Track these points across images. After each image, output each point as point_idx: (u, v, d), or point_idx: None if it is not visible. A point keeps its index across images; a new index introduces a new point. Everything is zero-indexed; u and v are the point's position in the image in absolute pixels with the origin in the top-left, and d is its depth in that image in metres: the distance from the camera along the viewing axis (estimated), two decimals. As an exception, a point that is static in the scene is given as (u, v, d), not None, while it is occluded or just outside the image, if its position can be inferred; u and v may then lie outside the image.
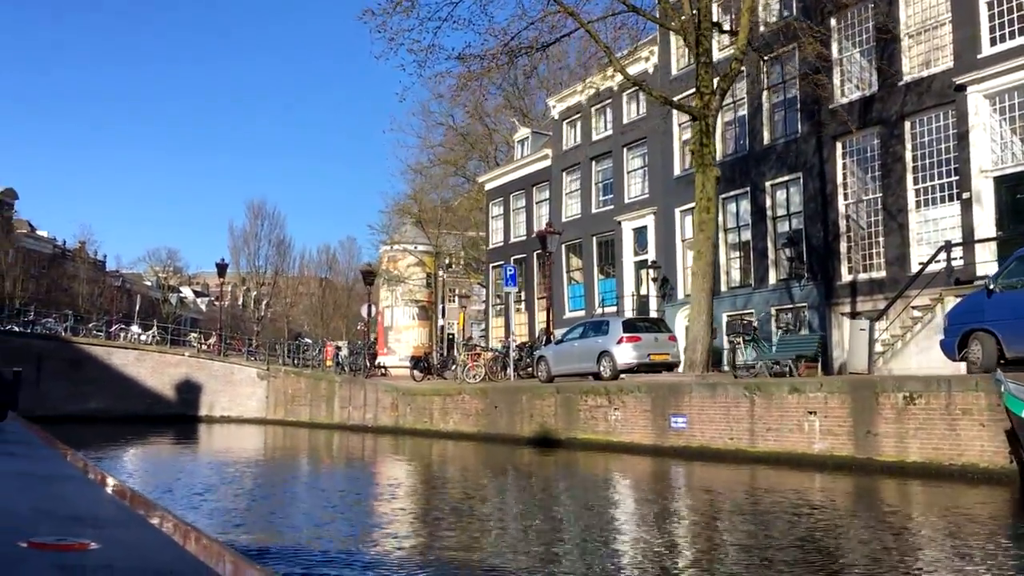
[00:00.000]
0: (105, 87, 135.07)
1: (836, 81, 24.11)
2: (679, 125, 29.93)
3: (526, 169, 37.50)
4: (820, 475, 12.94)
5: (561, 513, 10.77)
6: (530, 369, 23.61)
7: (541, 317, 36.32)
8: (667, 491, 12.80)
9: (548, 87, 48.77)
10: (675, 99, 28.44)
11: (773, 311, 24.46)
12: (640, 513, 10.66)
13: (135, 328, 39.63)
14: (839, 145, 23.85)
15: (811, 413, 13.35)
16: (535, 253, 36.37)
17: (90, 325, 39.32)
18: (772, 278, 25.44)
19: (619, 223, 31.84)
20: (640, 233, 31.30)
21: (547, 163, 36.27)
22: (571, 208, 35.12)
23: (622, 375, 18.60)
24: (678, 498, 12.06)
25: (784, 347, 16.13)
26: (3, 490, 2.03)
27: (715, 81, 18.51)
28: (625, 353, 18.43)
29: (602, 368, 18.67)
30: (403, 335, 32.53)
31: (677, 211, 29.36)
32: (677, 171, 29.68)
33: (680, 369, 18.72)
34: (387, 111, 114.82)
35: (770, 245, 25.69)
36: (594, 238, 33.51)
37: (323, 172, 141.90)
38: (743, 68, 20.15)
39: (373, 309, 34.06)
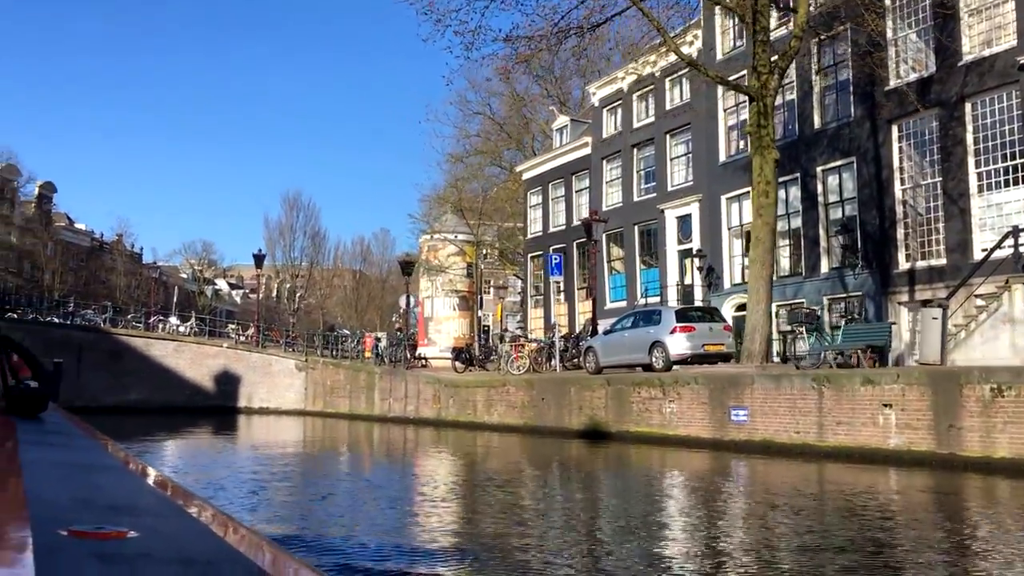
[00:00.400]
0: (140, 79, 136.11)
1: (891, 62, 23.28)
2: (724, 110, 29.23)
3: (565, 157, 36.87)
4: (896, 471, 12.26)
5: (612, 510, 10.27)
6: (576, 360, 23.04)
7: (582, 308, 35.74)
8: (728, 487, 12.19)
9: (585, 75, 48.10)
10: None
11: (825, 300, 23.72)
12: (697, 511, 10.09)
13: (173, 319, 39.53)
14: (895, 128, 23.01)
15: (886, 406, 12.66)
16: (575, 243, 35.82)
17: (129, 316, 39.30)
18: (824, 266, 24.70)
19: (662, 211, 31.17)
20: (684, 221, 30.60)
21: (586, 151, 35.63)
22: (612, 197, 34.47)
23: (675, 366, 17.97)
24: (739, 495, 11.44)
25: (851, 337, 15.42)
26: (44, 480, 2.02)
27: (772, 60, 17.74)
28: (678, 343, 17.79)
29: (654, 359, 18.06)
30: (443, 326, 32.01)
31: (723, 198, 28.65)
32: (723, 157, 28.96)
33: (735, 360, 18.05)
34: (423, 102, 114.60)
35: (822, 232, 24.94)
36: (636, 227, 32.84)
37: (357, 164, 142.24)
38: (802, 45, 19.34)
39: (412, 300, 33.64)
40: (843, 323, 15.98)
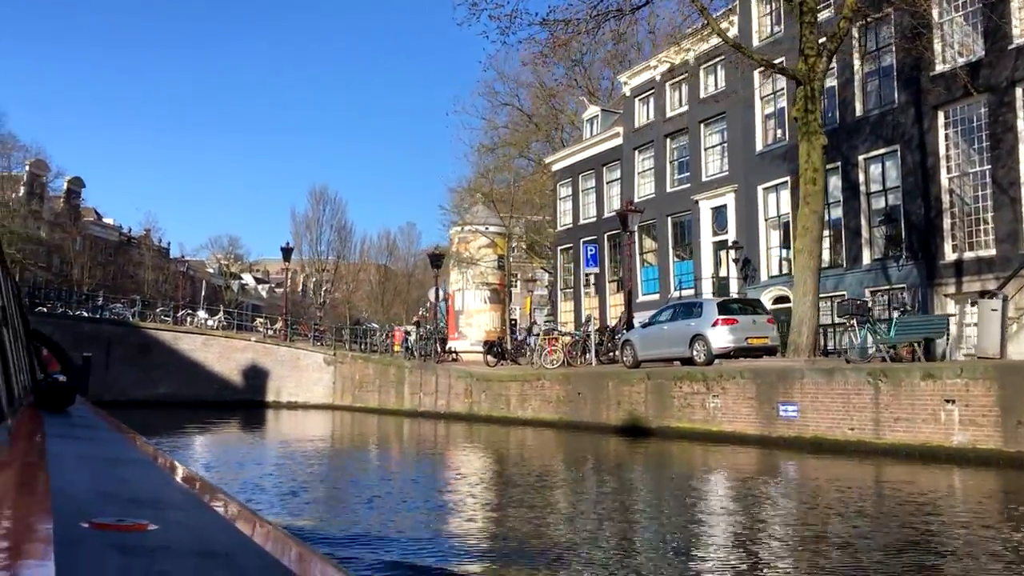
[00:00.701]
0: (167, 73, 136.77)
1: (937, 47, 22.54)
2: (762, 98, 28.58)
3: (595, 148, 36.31)
4: (960, 471, 11.65)
5: (653, 510, 9.75)
6: (611, 354, 22.52)
7: (613, 300, 35.21)
8: (778, 487, 11.62)
9: (614, 66, 47.51)
10: (762, 68, 26.98)
11: (867, 292, 23.05)
12: (744, 512, 9.53)
13: (202, 313, 39.39)
14: (941, 115, 22.30)
15: (949, 401, 12.05)
16: (606, 235, 35.30)
17: (157, 310, 39.18)
18: (866, 258, 24.04)
19: (696, 202, 30.57)
20: (719, 212, 29.99)
21: (618, 141, 35.06)
22: (644, 188, 33.89)
23: (717, 360, 17.39)
24: (792, 496, 10.86)
25: (906, 329, 14.79)
26: (68, 473, 2.03)
27: (820, 42, 17.06)
28: (721, 337, 17.22)
29: (695, 353, 17.50)
30: (474, 319, 31.52)
31: (760, 188, 28.03)
32: (759, 146, 28.32)
33: (781, 354, 17.45)
34: (449, 96, 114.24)
35: (863, 223, 24.26)
36: (669, 218, 32.26)
37: (383, 158, 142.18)
38: (851, 26, 18.63)
39: (441, 292, 33.25)
40: (895, 315, 15.30)
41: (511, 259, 39.39)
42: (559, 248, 38.44)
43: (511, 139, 46.19)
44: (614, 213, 34.80)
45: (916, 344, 14.81)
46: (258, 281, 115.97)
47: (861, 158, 24.24)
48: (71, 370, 34.98)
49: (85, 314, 37.49)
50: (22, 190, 64.08)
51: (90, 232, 75.82)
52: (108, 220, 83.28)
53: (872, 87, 24.58)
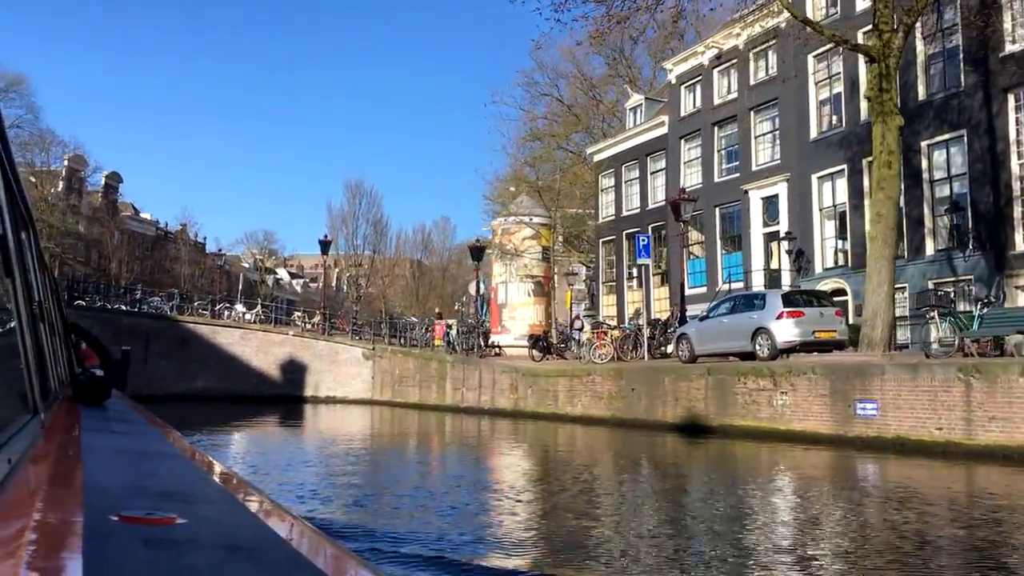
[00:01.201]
0: (203, 71, 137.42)
1: (1007, 25, 21.44)
2: (816, 84, 27.53)
3: (639, 138, 35.41)
4: (1066, 474, 10.73)
5: (716, 515, 8.90)
6: (663, 348, 21.68)
7: (658, 294, 34.35)
8: (861, 492, 10.75)
9: (656, 55, 46.51)
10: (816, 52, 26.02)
11: (930, 284, 21.98)
12: (819, 519, 8.70)
13: (239, 307, 38.98)
14: (1011, 98, 21.22)
15: (1053, 400, 11.13)
16: (650, 226, 34.45)
17: (195, 304, 38.85)
18: (929, 248, 22.99)
19: (746, 192, 29.60)
20: (770, 202, 29.00)
21: (663, 131, 34.14)
22: (691, 178, 32.94)
23: (781, 354, 16.47)
24: (878, 502, 9.95)
25: (993, 322, 13.81)
26: (101, 466, 2.01)
27: (897, 17, 16.04)
28: (786, 330, 16.29)
29: (757, 347, 16.59)
30: (518, 312, 30.67)
31: (814, 177, 27.01)
32: (813, 133, 27.30)
33: (852, 348, 16.48)
34: (485, 88, 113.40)
35: (927, 211, 23.21)
36: (717, 209, 31.30)
37: (418, 152, 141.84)
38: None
39: (482, 286, 32.54)
40: (977, 308, 14.31)
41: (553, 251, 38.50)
42: (601, 240, 37.60)
43: (550, 130, 45.37)
44: (659, 204, 33.93)
45: (1006, 338, 13.81)
46: (292, 276, 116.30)
47: (924, 144, 23.18)
48: (110, 364, 34.78)
49: (123, 308, 37.29)
50: (60, 185, 64.40)
51: (127, 227, 76.13)
52: (145, 215, 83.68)
53: (936, 69, 23.49)
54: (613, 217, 36.74)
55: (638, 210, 35.32)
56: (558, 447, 17.96)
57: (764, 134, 29.66)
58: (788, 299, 16.90)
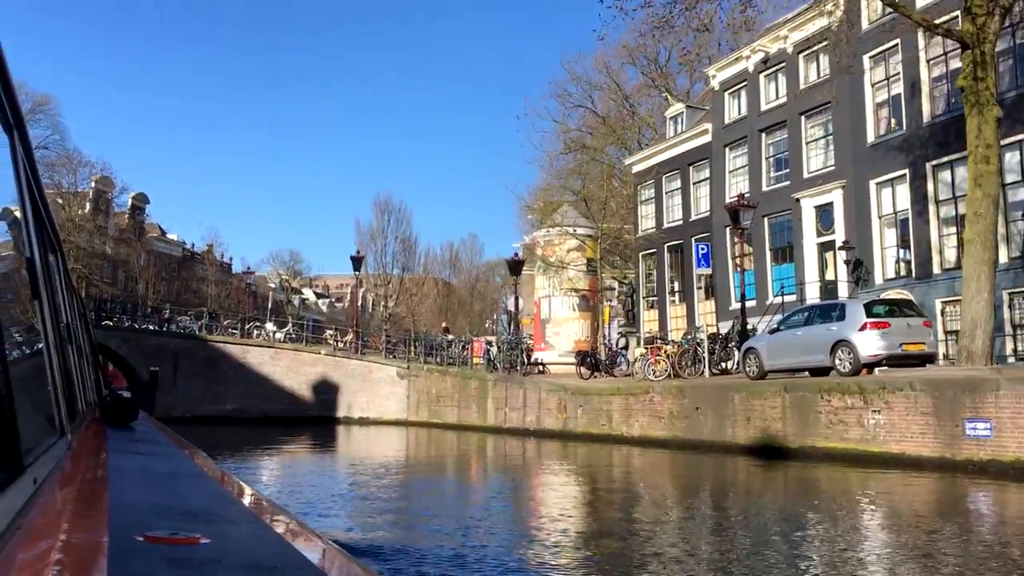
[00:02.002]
0: (224, 89, 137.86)
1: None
2: (872, 85, 26.21)
3: (681, 147, 34.18)
4: None
5: (805, 553, 7.53)
6: (723, 364, 20.34)
7: (703, 308, 33.03)
8: (978, 524, 9.37)
9: (692, 65, 45.37)
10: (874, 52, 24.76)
11: (1005, 296, 20.49)
12: (937, 561, 7.32)
13: (269, 326, 38.04)
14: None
15: None
16: (692, 238, 33.17)
17: (225, 323, 37.91)
18: (1003, 255, 21.44)
19: (797, 201, 28.25)
20: (824, 211, 27.65)
21: (706, 139, 32.93)
22: (736, 187, 31.64)
23: (863, 369, 15.08)
24: (1001, 538, 8.59)
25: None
26: (127, 486, 2.06)
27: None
28: (870, 343, 14.92)
29: (838, 361, 15.23)
30: (562, 328, 29.36)
31: (872, 183, 25.64)
32: (871, 138, 25.95)
33: (948, 361, 15.09)
34: (512, 104, 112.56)
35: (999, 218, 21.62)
36: (765, 219, 29.95)
37: (444, 170, 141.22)
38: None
39: (521, 301, 31.32)
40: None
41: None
42: (641, 254, 36.31)
43: (584, 142, 44.27)
44: (703, 215, 32.67)
45: None
46: (318, 296, 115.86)
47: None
48: (138, 385, 33.91)
49: (152, 328, 36.43)
50: (88, 206, 64.18)
51: (154, 248, 75.98)
52: (172, 236, 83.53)
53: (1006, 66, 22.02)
54: (653, 229, 35.47)
55: (680, 222, 34.05)
56: (616, 472, 16.66)
57: (816, 139, 28.37)
58: (870, 309, 15.52)
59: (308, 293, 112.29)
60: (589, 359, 24.96)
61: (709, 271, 23.23)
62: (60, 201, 56.83)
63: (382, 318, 59.29)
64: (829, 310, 16.27)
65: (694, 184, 33.77)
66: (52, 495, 1.60)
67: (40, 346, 2.03)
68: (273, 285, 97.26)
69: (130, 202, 71.93)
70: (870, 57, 26.04)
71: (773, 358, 16.82)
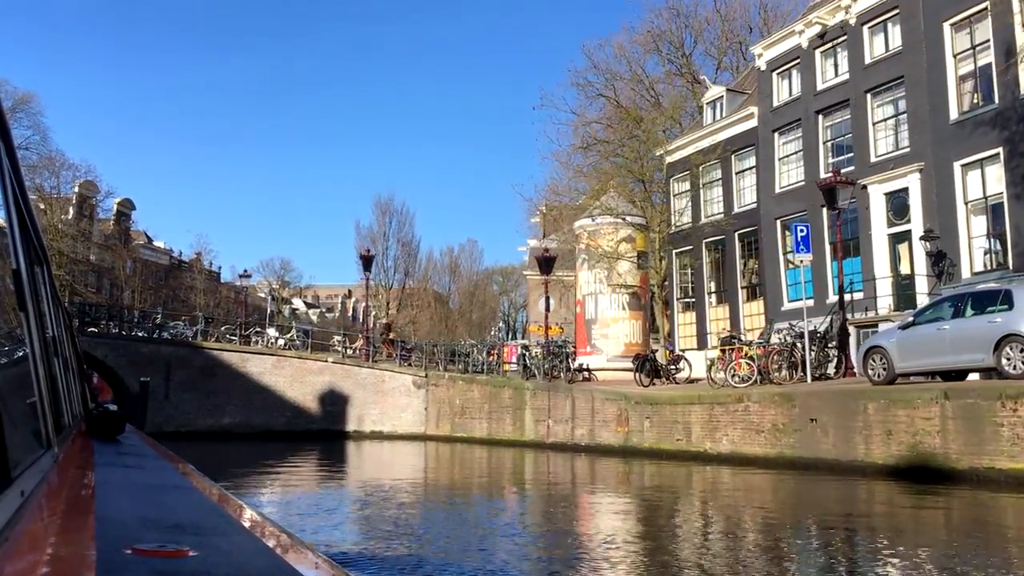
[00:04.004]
0: (213, 94, 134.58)
1: None
2: (955, 55, 23.44)
3: (721, 134, 31.38)
4: None
5: None
6: (823, 368, 17.36)
7: (748, 309, 30.35)
8: None
9: (722, 51, 42.87)
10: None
11: None
12: None
13: (271, 331, 34.83)
14: None
15: None
16: (736, 233, 30.45)
17: (222, 328, 34.64)
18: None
19: (863, 188, 25.42)
20: (896, 198, 24.88)
21: (750, 124, 30.22)
22: (788, 176, 28.95)
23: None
24: None
25: None
26: (114, 500, 2.04)
27: None
28: (1055, 335, 12.01)
29: (1004, 361, 12.27)
30: (610, 329, 26.29)
31: (956, 165, 22.89)
32: (954, 114, 23.22)
33: None
34: (513, 105, 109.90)
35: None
36: (823, 209, 27.13)
37: (440, 175, 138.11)
38: None
39: (551, 301, 28.28)
40: None
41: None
42: (675, 251, 33.42)
43: (605, 135, 41.45)
44: (748, 207, 29.94)
45: None
46: (309, 306, 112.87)
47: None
48: (127, 398, 30.74)
49: (142, 334, 33.19)
50: (71, 211, 61.43)
51: (140, 255, 73.36)
52: (158, 243, 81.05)
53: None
54: (690, 224, 32.63)
55: (721, 214, 31.22)
56: (712, 499, 13.65)
57: (886, 119, 25.60)
58: (1048, 296, 12.57)
59: (298, 303, 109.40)
60: (648, 364, 21.99)
61: (810, 257, 20.29)
62: (42, 206, 54.13)
63: (383, 327, 56.18)
64: (988, 298, 13.33)
65: (737, 174, 31.02)
66: (39, 508, 1.59)
67: (26, 359, 2.01)
68: (263, 294, 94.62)
69: (115, 208, 69.50)
70: (951, 24, 23.35)
71: (907, 359, 13.88)
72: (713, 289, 32.06)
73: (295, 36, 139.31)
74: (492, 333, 61.59)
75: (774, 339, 19.15)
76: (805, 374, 17.02)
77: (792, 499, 13.20)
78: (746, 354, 18.19)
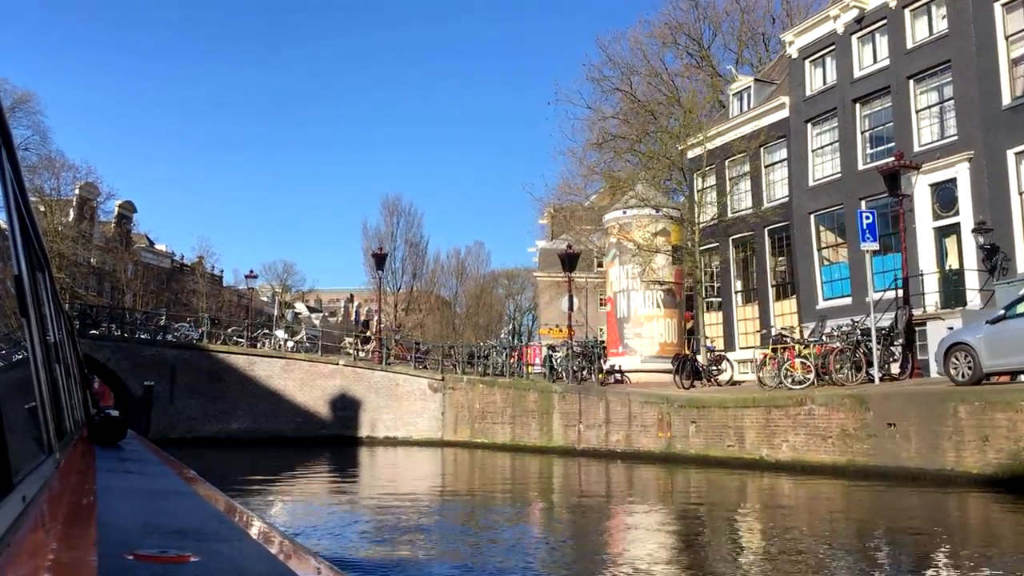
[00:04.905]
0: (214, 95, 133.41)
1: None
2: (1007, 37, 22.16)
3: (749, 126, 30.04)
4: None
5: None
6: (888, 367, 15.94)
7: (779, 308, 29.07)
8: None
9: (743, 42, 41.64)
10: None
11: None
12: None
13: (280, 333, 33.50)
14: None
15: None
16: (766, 229, 29.15)
17: (229, 330, 33.27)
18: None
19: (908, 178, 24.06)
20: (942, 189, 23.58)
21: (781, 115, 28.85)
22: (822, 168, 27.67)
23: None
24: None
25: None
26: (116, 505, 2.03)
27: None
28: None
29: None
30: (644, 328, 24.83)
31: (1010, 153, 21.63)
32: (1006, 100, 21.94)
33: None
34: (525, 99, 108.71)
35: None
36: (863, 202, 25.86)
37: (446, 178, 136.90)
38: None
39: (575, 300, 26.92)
40: None
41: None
42: (699, 249, 32.05)
43: (621, 131, 40.24)
44: (779, 201, 28.66)
45: None
46: (311, 310, 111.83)
47: None
48: (131, 402, 29.42)
49: (145, 336, 31.83)
50: (72, 213, 60.40)
51: (142, 259, 72.27)
52: (160, 246, 79.88)
53: None
54: (715, 221, 31.27)
55: (750, 210, 29.90)
56: (783, 513, 12.28)
57: (930, 106, 24.30)
58: None
59: (300, 307, 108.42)
60: (689, 365, 20.63)
61: (876, 245, 18.96)
62: (42, 208, 53.08)
63: (391, 328, 54.85)
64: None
65: (766, 167, 29.72)
66: (40, 514, 1.59)
67: (28, 365, 2.00)
68: (266, 298, 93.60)
69: (116, 210, 68.39)
70: (1003, 5, 22.09)
71: (998, 356, 12.53)
72: (739, 288, 30.78)
73: (297, 42, 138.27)
74: (503, 336, 60.10)
75: (828, 337, 17.77)
76: (871, 374, 15.65)
77: (875, 512, 11.81)
78: (800, 353, 16.84)
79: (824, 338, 17.63)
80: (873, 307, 17.42)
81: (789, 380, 16.44)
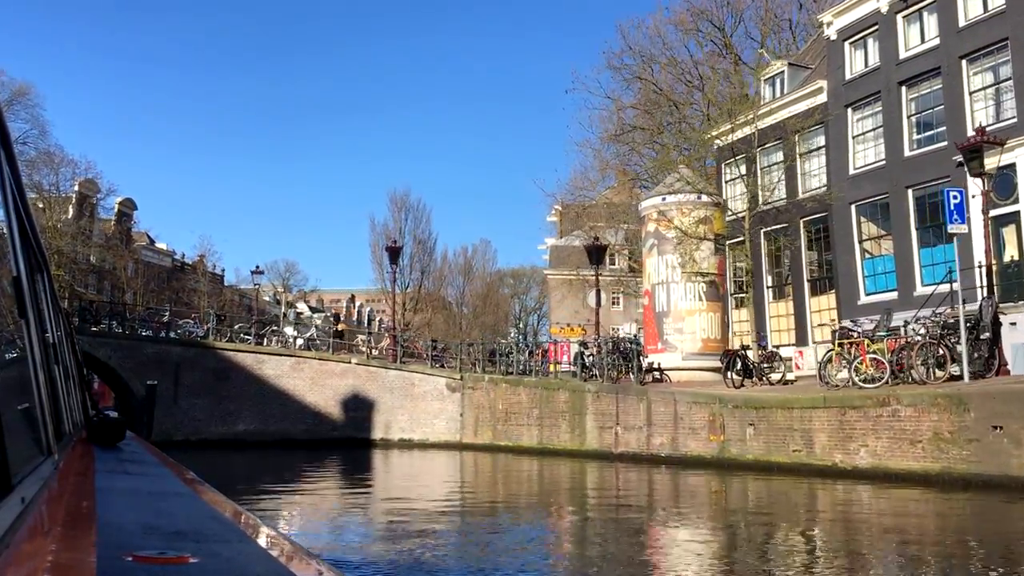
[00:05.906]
0: (218, 93, 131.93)
1: None
2: (1073, 12, 20.67)
3: (781, 113, 28.55)
4: None
5: None
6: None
7: (816, 304, 27.65)
8: None
9: (766, 30, 40.13)
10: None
11: None
12: None
13: (289, 330, 32.00)
14: None
15: None
16: (802, 220, 27.73)
17: (236, 327, 31.76)
18: None
19: (959, 166, 22.53)
20: (1001, 175, 22.06)
21: (819, 99, 27.38)
22: (864, 156, 26.22)
23: None
24: None
25: None
26: (115, 507, 2.03)
27: None
28: None
29: None
30: (686, 323, 23.25)
31: (1076, 135, 20.10)
32: (1073, 78, 20.43)
33: None
34: (529, 100, 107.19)
35: None
36: (909, 191, 24.50)
37: (456, 178, 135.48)
38: None
39: (602, 295, 25.40)
40: None
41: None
42: (728, 244, 30.54)
43: (641, 122, 38.84)
44: (814, 191, 27.22)
45: None
46: (313, 310, 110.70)
47: None
48: (133, 402, 27.92)
49: (148, 334, 30.34)
50: (71, 210, 59.03)
51: (142, 257, 71.10)
52: (160, 244, 78.66)
53: None
54: (745, 213, 29.73)
55: (783, 201, 28.44)
56: (861, 527, 10.78)
57: (984, 88, 22.88)
58: None
59: (302, 307, 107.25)
60: (741, 363, 19.14)
61: (965, 229, 17.51)
62: (41, 205, 51.66)
63: (399, 328, 53.41)
64: None
65: (801, 156, 28.23)
66: (40, 515, 1.59)
67: (27, 366, 2.00)
68: (267, 298, 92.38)
69: (116, 208, 67.12)
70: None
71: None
72: (770, 283, 29.32)
73: (299, 47, 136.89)
74: (511, 336, 58.65)
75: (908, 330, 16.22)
76: (961, 371, 14.14)
77: (988, 526, 10.28)
78: (870, 348, 15.36)
79: (889, 332, 16.11)
80: (960, 299, 15.95)
81: (859, 377, 14.97)
